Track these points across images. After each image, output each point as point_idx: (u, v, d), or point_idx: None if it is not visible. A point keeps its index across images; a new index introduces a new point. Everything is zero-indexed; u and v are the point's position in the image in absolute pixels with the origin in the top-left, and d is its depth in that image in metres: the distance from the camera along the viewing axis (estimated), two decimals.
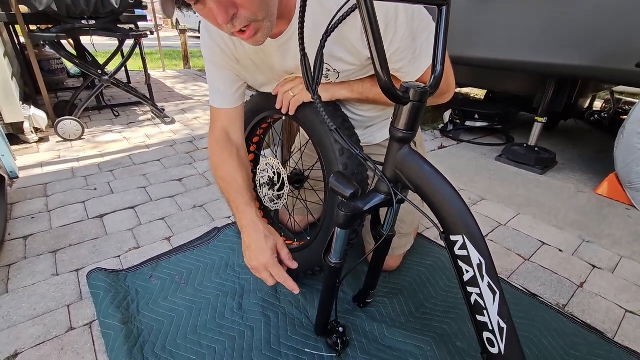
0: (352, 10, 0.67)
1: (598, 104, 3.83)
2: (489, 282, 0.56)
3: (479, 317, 0.59)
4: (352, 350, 0.89)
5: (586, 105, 3.32)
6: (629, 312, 1.09)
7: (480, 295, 0.57)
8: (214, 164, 0.96)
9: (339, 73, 0.81)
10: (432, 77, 0.61)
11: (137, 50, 2.66)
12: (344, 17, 0.68)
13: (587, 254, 1.35)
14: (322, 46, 0.68)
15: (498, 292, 0.56)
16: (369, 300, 1.02)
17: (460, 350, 0.90)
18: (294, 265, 0.89)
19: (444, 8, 0.60)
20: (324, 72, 0.82)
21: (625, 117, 3.07)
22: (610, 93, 3.17)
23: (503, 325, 0.56)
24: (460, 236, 0.57)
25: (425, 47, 0.73)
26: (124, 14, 2.42)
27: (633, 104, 3.37)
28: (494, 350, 0.58)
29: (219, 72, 0.91)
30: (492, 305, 0.56)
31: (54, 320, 0.98)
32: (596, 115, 3.19)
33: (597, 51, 1.68)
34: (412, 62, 0.74)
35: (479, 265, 0.56)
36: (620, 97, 3.60)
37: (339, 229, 0.72)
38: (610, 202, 1.77)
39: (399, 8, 0.67)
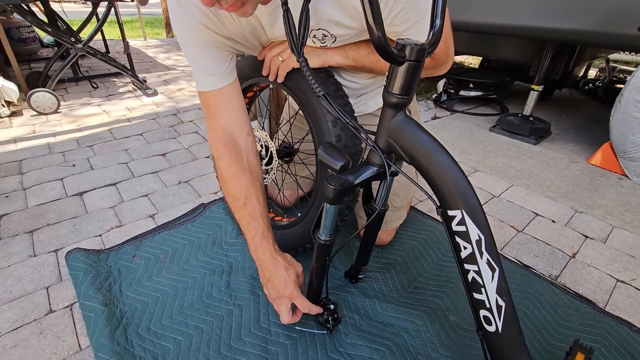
0: None
1: (592, 73, 3.77)
2: (488, 259, 0.52)
3: (475, 295, 0.56)
4: (343, 327, 0.87)
5: (581, 73, 3.26)
6: (619, 281, 1.09)
7: (479, 272, 0.54)
8: (222, 177, 0.83)
9: (335, 37, 0.73)
10: (431, 33, 0.54)
11: (114, 17, 2.47)
12: None
13: (579, 224, 1.35)
14: (307, 0, 0.60)
15: (497, 269, 0.52)
16: (361, 276, 1.00)
17: (453, 324, 0.89)
18: (318, 309, 0.83)
19: None
20: (321, 37, 0.74)
21: (619, 85, 3.04)
22: (606, 61, 3.10)
23: (501, 303, 0.53)
24: (459, 211, 0.53)
25: (428, 9, 0.65)
26: None
27: (628, 72, 3.32)
28: (491, 328, 0.55)
29: (201, 52, 0.75)
30: (491, 283, 0.53)
31: (32, 303, 0.93)
32: (590, 84, 3.14)
33: (598, 15, 1.60)
34: (415, 25, 0.66)
35: (478, 242, 0.52)
36: (615, 65, 3.54)
37: (328, 204, 0.67)
38: (603, 172, 1.76)
39: None
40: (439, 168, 0.54)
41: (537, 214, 1.40)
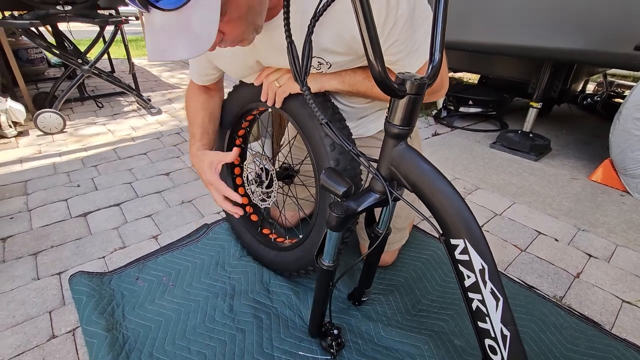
0: None
1: (590, 87, 3.81)
2: (492, 289, 0.53)
3: (480, 324, 0.56)
4: (347, 352, 0.86)
5: (579, 89, 3.30)
6: (625, 302, 1.08)
7: (483, 301, 0.54)
8: (186, 100, 1.03)
9: (330, 64, 0.75)
10: (430, 66, 0.56)
11: (120, 37, 2.54)
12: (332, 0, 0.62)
13: (582, 243, 1.34)
14: (310, 32, 0.63)
15: (501, 299, 0.52)
16: (364, 299, 0.99)
17: (458, 349, 0.88)
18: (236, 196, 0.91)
19: None
20: (316, 65, 0.76)
21: (617, 100, 3.07)
22: (603, 76, 3.14)
23: (506, 332, 0.53)
24: (462, 240, 0.53)
25: (424, 39, 0.67)
26: None
27: (625, 86, 3.36)
28: (496, 358, 0.55)
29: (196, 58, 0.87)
30: (495, 312, 0.53)
31: (34, 328, 0.93)
32: (589, 99, 3.17)
33: (595, 34, 1.63)
34: (409, 55, 0.68)
35: (482, 271, 0.53)
36: (613, 79, 3.58)
37: (331, 231, 0.67)
38: (604, 188, 1.76)
39: None
40: (441, 197, 0.55)
41: (539, 233, 1.39)
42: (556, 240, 1.35)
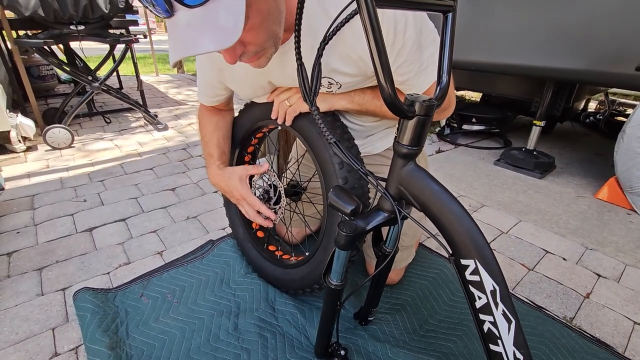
0: (352, 15, 0.63)
1: (592, 105, 3.84)
2: (503, 310, 0.52)
3: (492, 347, 0.55)
4: None
5: (581, 107, 3.32)
6: (637, 324, 1.05)
7: (494, 323, 0.53)
8: (199, 122, 1.05)
9: (340, 84, 0.77)
10: (438, 88, 0.57)
11: (129, 54, 2.60)
12: (342, 23, 0.64)
13: (591, 262, 1.32)
14: (319, 54, 0.65)
15: (514, 321, 0.52)
16: (371, 318, 0.98)
17: None
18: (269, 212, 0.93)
19: (450, 14, 0.56)
20: (326, 85, 0.78)
21: (619, 118, 3.09)
22: (605, 94, 3.16)
23: (519, 356, 0.52)
24: (472, 260, 0.53)
25: (431, 61, 0.69)
26: (114, 19, 2.36)
27: (627, 105, 3.38)
28: None
29: (207, 78, 0.91)
30: (507, 335, 0.52)
31: (37, 345, 0.92)
32: (591, 117, 3.19)
33: (596, 55, 1.66)
34: (417, 76, 0.70)
35: (493, 292, 0.52)
36: (614, 98, 3.62)
37: (338, 250, 0.67)
38: (611, 206, 1.75)
39: (408, 20, 0.64)
40: (451, 217, 0.55)
41: (547, 251, 1.38)
42: (564, 259, 1.34)
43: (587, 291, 1.18)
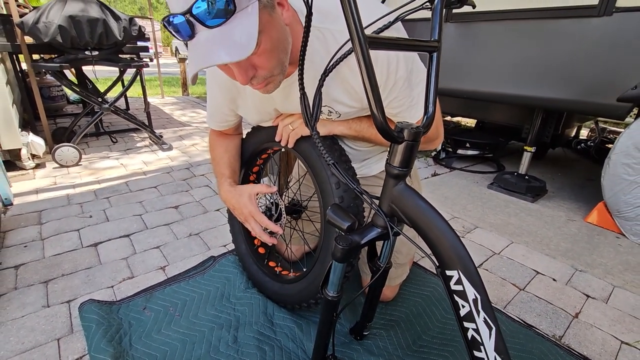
0: (349, 52, 0.72)
1: (584, 132, 3.97)
2: (485, 318, 0.57)
3: (476, 353, 0.59)
4: None
5: (572, 134, 3.44)
6: (624, 343, 1.09)
7: (477, 330, 0.58)
8: (209, 145, 1.12)
9: (340, 114, 0.85)
10: (425, 117, 0.64)
11: (138, 78, 2.72)
12: (341, 59, 0.73)
13: (580, 283, 1.37)
14: (320, 85, 0.73)
15: (494, 328, 0.57)
16: (366, 333, 1.01)
17: None
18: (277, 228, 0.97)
19: (435, 54, 0.64)
20: (327, 113, 0.86)
21: (610, 145, 3.19)
22: (595, 122, 3.29)
23: None
24: (456, 271, 0.59)
25: (421, 97, 0.78)
26: (126, 45, 2.50)
27: (617, 132, 3.50)
28: None
29: (219, 104, 0.98)
30: (489, 341, 0.57)
31: (42, 355, 0.95)
32: (583, 144, 3.30)
33: (580, 86, 1.77)
34: (408, 110, 0.79)
35: (475, 301, 0.57)
36: (605, 126, 3.74)
37: (335, 262, 0.73)
38: (600, 230, 1.80)
39: (399, 62, 0.73)
40: (437, 232, 0.61)
41: (537, 272, 1.42)
42: (554, 280, 1.38)
43: (576, 311, 1.22)
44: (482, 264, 1.46)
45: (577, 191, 2.32)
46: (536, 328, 1.12)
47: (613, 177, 1.72)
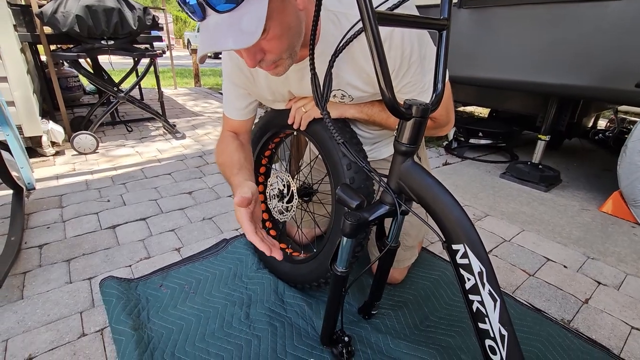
0: (359, 32, 0.73)
1: (602, 123, 3.86)
2: (489, 290, 0.58)
3: (480, 325, 0.61)
4: None
5: (590, 124, 3.35)
6: (634, 328, 1.08)
7: (482, 302, 0.59)
8: (216, 154, 1.00)
9: (352, 97, 0.87)
10: (434, 95, 0.65)
11: (152, 68, 2.77)
12: (351, 39, 0.74)
13: (591, 270, 1.36)
14: (330, 65, 0.74)
15: (499, 300, 0.58)
16: (374, 312, 1.04)
17: None
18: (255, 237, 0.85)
19: (444, 32, 0.65)
20: (340, 97, 0.87)
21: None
22: (614, 112, 3.20)
23: (504, 332, 0.58)
24: (462, 245, 0.60)
25: (432, 82, 0.78)
26: (140, 35, 2.54)
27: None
28: (496, 358, 0.60)
29: (234, 89, 0.96)
30: (493, 313, 0.58)
31: (67, 326, 1.00)
32: (600, 135, 3.21)
33: (596, 72, 1.73)
34: (420, 94, 0.80)
35: (480, 273, 0.59)
36: (625, 116, 3.63)
37: (345, 238, 0.75)
38: (615, 219, 1.77)
39: (413, 48, 0.74)
40: (443, 206, 0.62)
41: (548, 259, 1.42)
42: (565, 267, 1.37)
43: (586, 297, 1.21)
44: (492, 250, 1.46)
45: (592, 181, 2.27)
46: (544, 312, 1.13)
47: (630, 165, 1.69)
